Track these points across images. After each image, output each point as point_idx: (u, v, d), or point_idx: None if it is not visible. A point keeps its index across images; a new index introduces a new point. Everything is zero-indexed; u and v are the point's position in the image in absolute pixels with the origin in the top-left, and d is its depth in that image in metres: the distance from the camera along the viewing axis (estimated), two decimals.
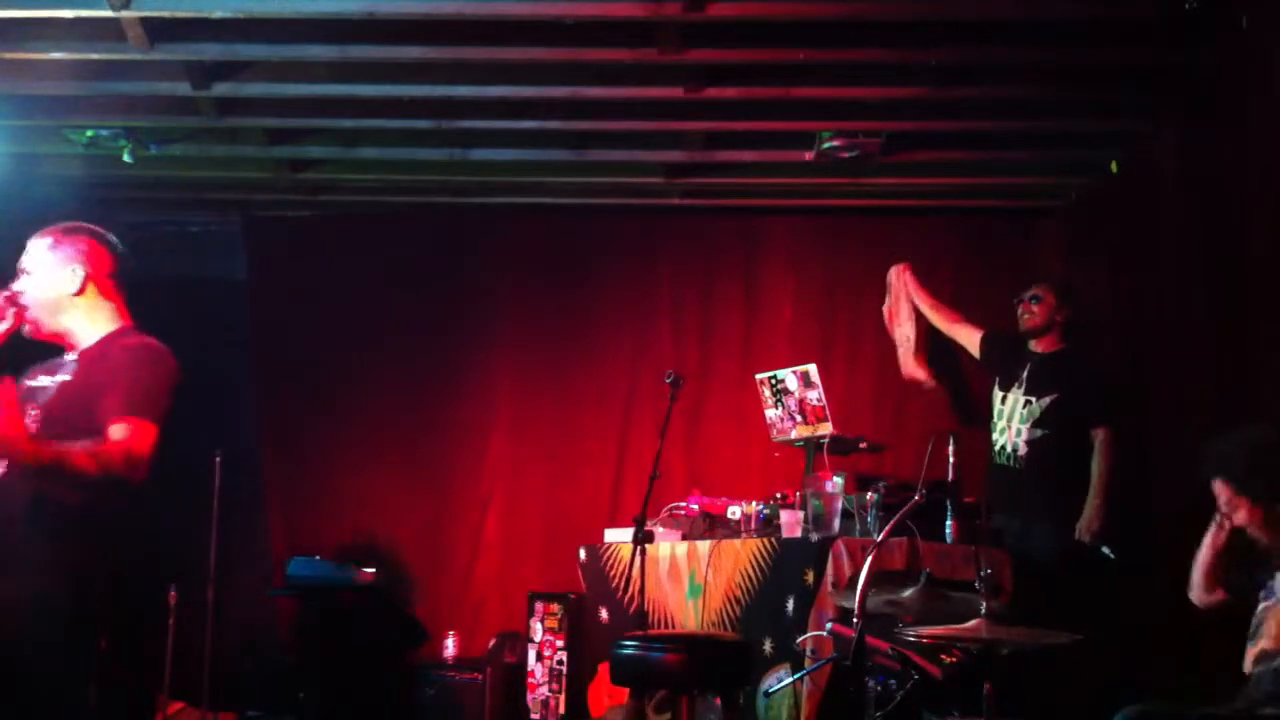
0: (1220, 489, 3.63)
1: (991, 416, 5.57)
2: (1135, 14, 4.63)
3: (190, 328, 6.69)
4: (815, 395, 5.58)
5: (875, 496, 4.90)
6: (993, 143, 5.91)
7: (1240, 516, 3.59)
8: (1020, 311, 5.58)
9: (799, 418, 5.65)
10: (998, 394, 5.58)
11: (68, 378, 3.44)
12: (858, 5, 4.61)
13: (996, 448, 5.50)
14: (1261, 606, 3.56)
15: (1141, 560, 5.14)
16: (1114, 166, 5.89)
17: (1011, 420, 5.45)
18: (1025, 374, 5.50)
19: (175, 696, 6.28)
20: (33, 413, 3.34)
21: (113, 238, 3.59)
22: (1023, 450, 5.38)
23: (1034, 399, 5.42)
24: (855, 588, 3.47)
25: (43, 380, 3.46)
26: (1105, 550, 5.16)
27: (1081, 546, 5.18)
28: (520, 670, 6.17)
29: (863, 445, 5.65)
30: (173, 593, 6.15)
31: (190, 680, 6.20)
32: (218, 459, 6.23)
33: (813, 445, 5.57)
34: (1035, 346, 5.56)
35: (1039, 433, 5.37)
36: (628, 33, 4.82)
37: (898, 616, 3.89)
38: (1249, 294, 4.61)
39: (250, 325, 6.92)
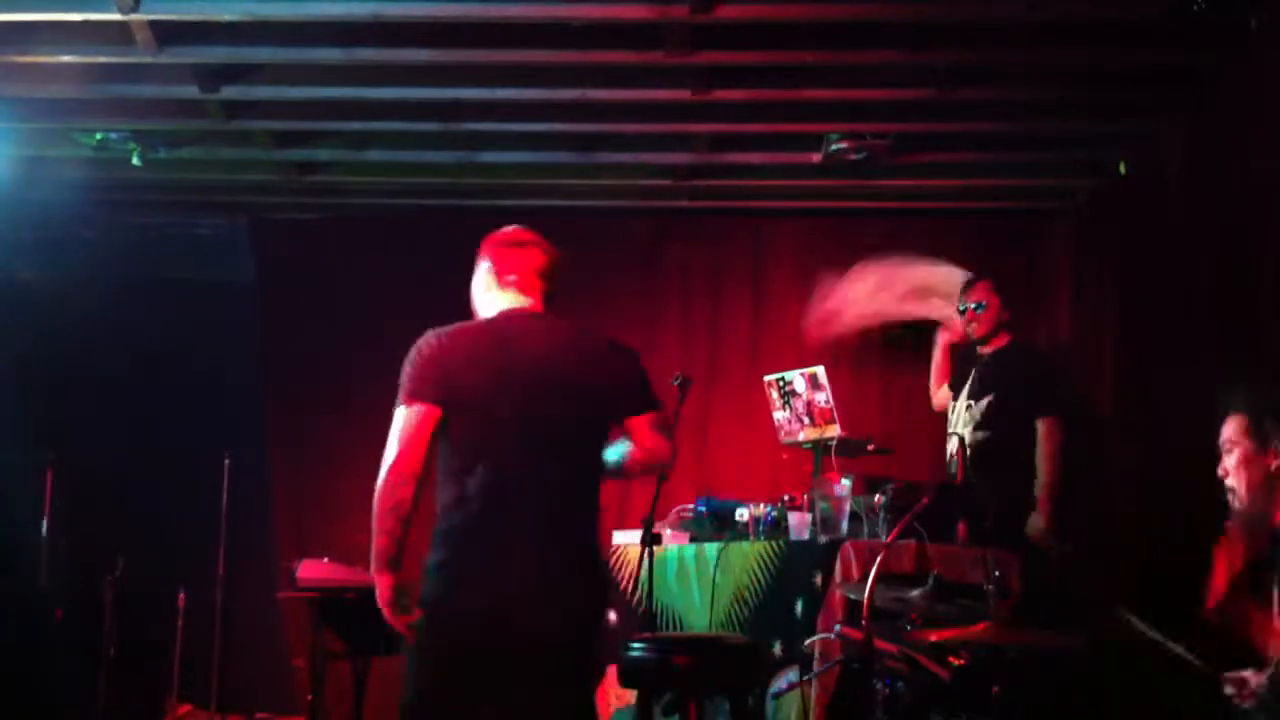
0: (1232, 424, 3.32)
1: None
2: (1143, 15, 4.62)
3: (198, 330, 6.80)
4: (823, 397, 5.57)
5: (883, 498, 4.90)
6: (1001, 144, 5.90)
7: (1232, 459, 3.30)
8: (967, 322, 5.55)
9: (807, 420, 5.65)
10: (950, 405, 5.60)
11: None
12: (865, 7, 4.60)
13: (947, 457, 5.44)
14: None
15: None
16: (1123, 168, 5.88)
17: (955, 428, 5.43)
18: (971, 378, 5.50)
19: (183, 699, 6.29)
20: None
21: None
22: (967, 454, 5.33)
23: (974, 401, 5.42)
24: (864, 589, 3.46)
25: None
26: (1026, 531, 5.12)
27: (1034, 549, 5.09)
28: None
29: (870, 447, 5.64)
30: (182, 594, 6.17)
31: (198, 682, 6.22)
32: (226, 460, 6.24)
33: (821, 447, 5.56)
34: (983, 350, 5.56)
35: (980, 435, 5.35)
36: (635, 35, 4.82)
37: (906, 618, 3.89)
38: (1258, 296, 4.60)
39: (258, 328, 6.93)
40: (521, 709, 3.24)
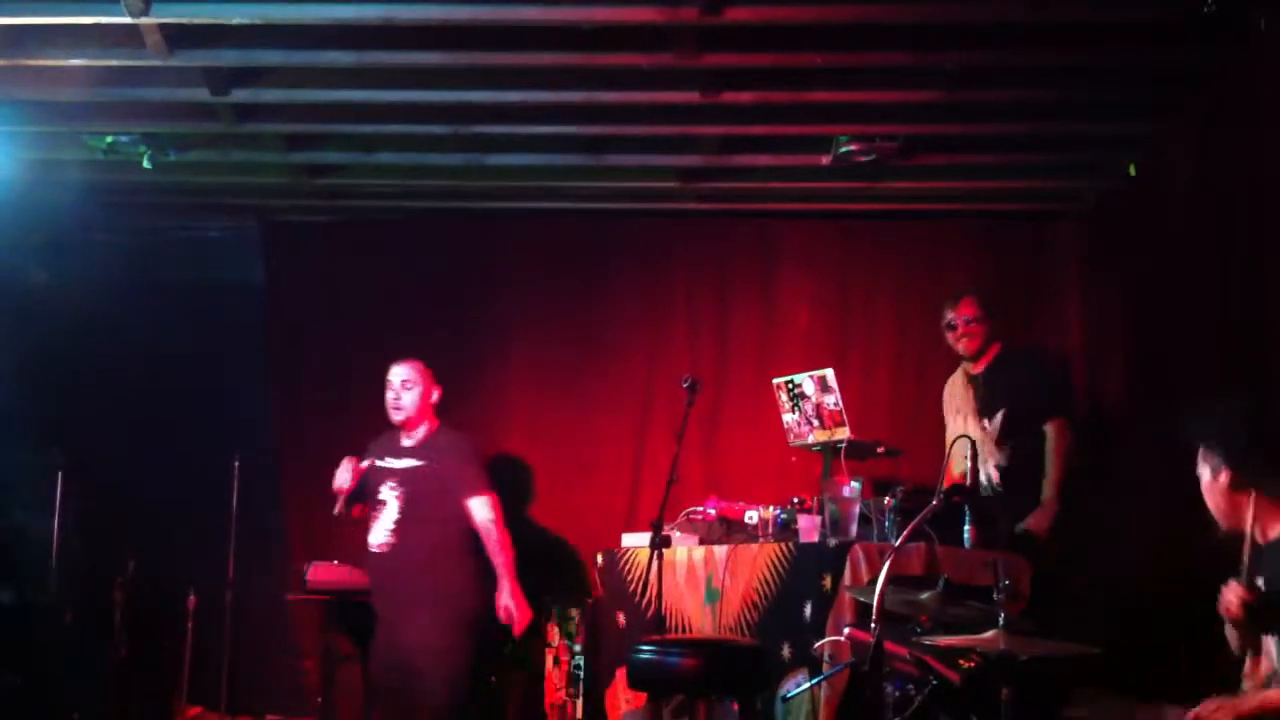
0: (1205, 458, 3.39)
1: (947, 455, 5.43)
2: (1152, 16, 4.62)
3: (209, 332, 6.81)
4: (832, 400, 5.57)
5: (893, 501, 4.89)
6: (1009, 146, 5.89)
7: (1202, 487, 3.39)
8: (958, 336, 5.54)
9: (816, 422, 5.64)
10: (955, 431, 5.52)
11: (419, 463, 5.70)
12: (874, 9, 4.60)
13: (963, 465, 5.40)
14: None
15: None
16: (1131, 169, 5.87)
17: (980, 448, 5.38)
18: (975, 400, 5.49)
19: (193, 700, 6.30)
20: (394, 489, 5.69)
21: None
22: (995, 477, 5.38)
23: (988, 420, 5.43)
24: (873, 592, 3.46)
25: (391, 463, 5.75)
26: (1020, 527, 5.10)
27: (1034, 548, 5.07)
28: (538, 675, 6.17)
29: (880, 450, 5.63)
30: (192, 597, 6.18)
31: (209, 684, 6.23)
32: (236, 463, 6.25)
33: (830, 450, 5.56)
34: (973, 369, 5.57)
35: (1003, 452, 5.38)
36: (644, 37, 4.83)
37: (915, 621, 3.89)
38: (1266, 298, 4.59)
39: (268, 330, 6.95)
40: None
